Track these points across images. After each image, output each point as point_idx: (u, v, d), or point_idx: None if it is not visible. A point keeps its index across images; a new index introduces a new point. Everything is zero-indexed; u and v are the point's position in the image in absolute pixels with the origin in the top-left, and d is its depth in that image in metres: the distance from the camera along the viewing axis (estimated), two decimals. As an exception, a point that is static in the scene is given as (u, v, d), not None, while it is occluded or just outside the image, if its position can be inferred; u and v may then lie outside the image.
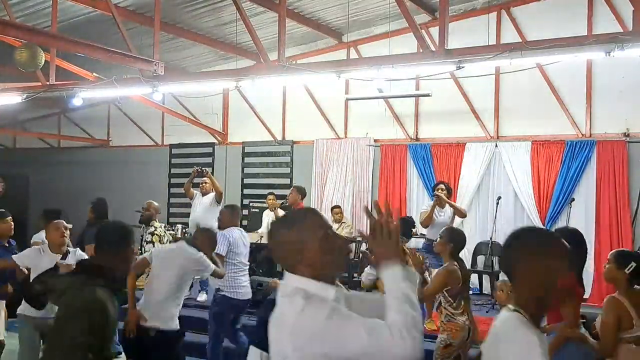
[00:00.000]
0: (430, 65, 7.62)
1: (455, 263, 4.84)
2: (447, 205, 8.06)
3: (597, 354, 3.70)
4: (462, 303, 4.78)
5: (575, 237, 3.73)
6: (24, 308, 4.97)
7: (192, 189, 9.48)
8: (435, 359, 4.78)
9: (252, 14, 9.33)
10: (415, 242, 10.73)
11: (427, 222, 8.05)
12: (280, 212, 9.29)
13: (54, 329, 2.84)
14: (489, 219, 9.96)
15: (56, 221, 5.12)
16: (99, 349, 2.75)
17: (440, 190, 7.97)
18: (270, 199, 10.01)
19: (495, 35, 9.83)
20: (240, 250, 6.35)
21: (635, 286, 3.79)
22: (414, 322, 1.88)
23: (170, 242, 7.70)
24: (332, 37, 11.42)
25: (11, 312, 5.70)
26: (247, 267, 6.39)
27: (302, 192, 8.99)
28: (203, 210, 8.96)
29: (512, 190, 10.07)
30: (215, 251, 6.06)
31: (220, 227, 6.38)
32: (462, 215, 8.37)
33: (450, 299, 4.72)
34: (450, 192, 8.22)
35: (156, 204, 8.08)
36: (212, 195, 9.09)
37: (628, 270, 3.74)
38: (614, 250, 4.35)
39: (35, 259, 4.98)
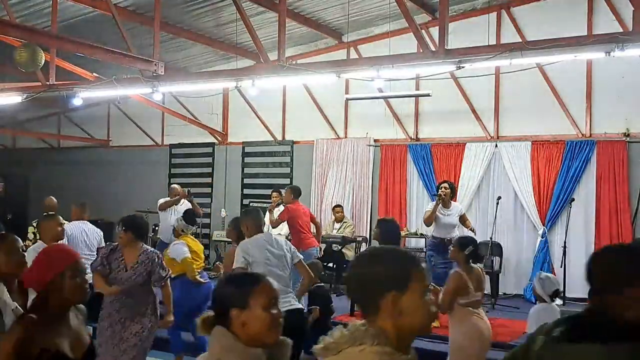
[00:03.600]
0: (430, 65, 7.62)
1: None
2: (453, 204, 8.05)
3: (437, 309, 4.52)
4: None
5: (393, 225, 5.90)
6: None
7: None
8: None
9: (252, 14, 9.33)
10: (415, 242, 10.79)
11: (428, 220, 8.09)
12: (277, 211, 9.31)
13: None
14: (489, 219, 9.96)
15: (54, 217, 5.19)
16: None
17: (443, 189, 7.98)
18: (274, 197, 10.11)
19: (495, 35, 9.82)
20: (78, 244, 6.73)
21: (471, 263, 5.04)
22: None
23: None
24: (332, 37, 11.42)
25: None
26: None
27: (295, 192, 9.05)
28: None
29: (512, 190, 10.07)
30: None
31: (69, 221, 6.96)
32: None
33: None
34: (454, 191, 8.23)
35: (52, 200, 8.38)
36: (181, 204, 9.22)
37: (467, 251, 4.96)
38: (457, 237, 5.94)
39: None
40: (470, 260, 5.00)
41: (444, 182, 8.32)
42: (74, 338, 2.57)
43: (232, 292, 2.13)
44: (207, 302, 6.09)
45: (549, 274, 5.72)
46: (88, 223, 7.25)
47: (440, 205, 7.90)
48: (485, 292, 9.62)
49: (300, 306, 4.93)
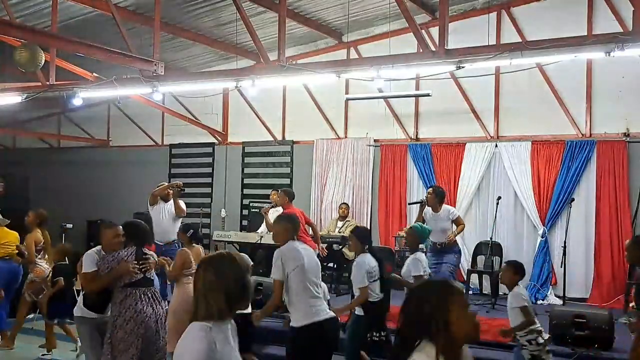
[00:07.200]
0: (430, 65, 7.61)
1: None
2: (444, 207, 7.91)
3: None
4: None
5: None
6: (80, 311, 5.25)
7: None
8: None
9: (252, 14, 9.34)
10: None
11: None
12: (272, 215, 9.30)
13: None
14: (489, 219, 9.96)
15: (114, 226, 5.21)
16: None
17: (427, 195, 7.94)
18: (273, 194, 10.11)
19: (495, 35, 9.82)
20: None
21: (194, 244, 6.28)
22: None
23: None
24: (332, 37, 11.42)
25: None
26: None
27: (290, 195, 9.00)
28: (171, 219, 8.54)
29: (512, 190, 10.07)
30: None
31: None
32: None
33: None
34: (441, 195, 7.93)
35: None
36: (172, 202, 8.60)
37: (189, 234, 6.28)
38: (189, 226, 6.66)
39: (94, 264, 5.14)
40: (193, 241, 6.29)
41: (430, 187, 8.35)
42: None
43: None
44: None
45: (242, 254, 6.42)
46: None
47: (430, 210, 7.87)
48: (485, 292, 9.78)
49: (334, 315, 4.94)
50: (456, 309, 2.18)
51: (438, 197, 7.87)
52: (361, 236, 5.90)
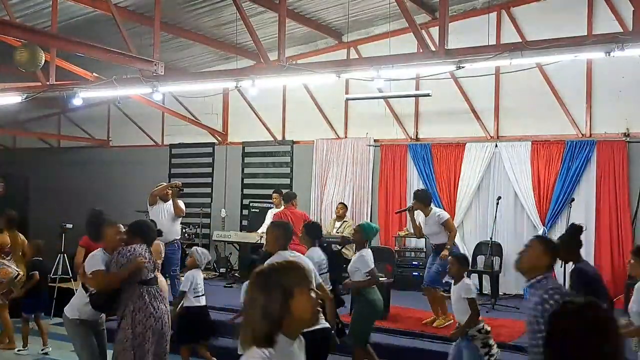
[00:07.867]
0: (430, 65, 7.61)
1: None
2: (433, 210, 7.77)
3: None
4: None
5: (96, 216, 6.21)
6: (78, 313, 5.18)
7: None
8: None
9: (252, 14, 9.33)
10: (415, 242, 10.80)
11: (415, 232, 8.19)
12: (268, 215, 9.36)
13: None
14: (489, 219, 9.96)
15: (116, 224, 5.17)
16: None
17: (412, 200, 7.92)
18: (275, 197, 10.14)
19: (495, 35, 9.82)
20: None
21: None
22: None
23: None
24: (332, 37, 11.42)
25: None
26: None
27: (285, 197, 9.05)
28: (170, 219, 8.49)
29: (512, 190, 10.07)
30: None
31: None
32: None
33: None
34: (422, 198, 7.80)
35: None
36: (171, 202, 8.57)
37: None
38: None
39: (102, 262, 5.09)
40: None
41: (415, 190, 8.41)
42: None
43: None
44: None
45: (204, 249, 6.52)
46: None
47: (422, 213, 7.86)
48: (485, 292, 9.78)
49: (328, 325, 4.84)
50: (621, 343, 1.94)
51: (420, 200, 7.75)
52: (311, 231, 6.05)
